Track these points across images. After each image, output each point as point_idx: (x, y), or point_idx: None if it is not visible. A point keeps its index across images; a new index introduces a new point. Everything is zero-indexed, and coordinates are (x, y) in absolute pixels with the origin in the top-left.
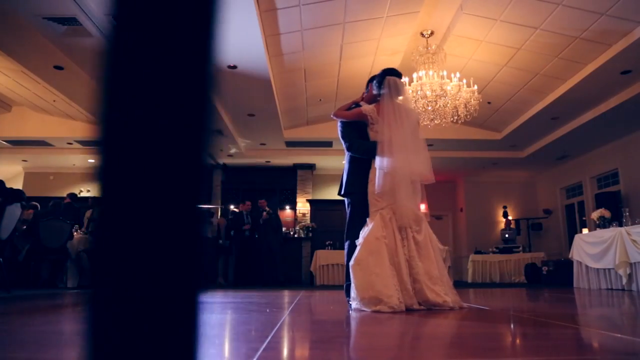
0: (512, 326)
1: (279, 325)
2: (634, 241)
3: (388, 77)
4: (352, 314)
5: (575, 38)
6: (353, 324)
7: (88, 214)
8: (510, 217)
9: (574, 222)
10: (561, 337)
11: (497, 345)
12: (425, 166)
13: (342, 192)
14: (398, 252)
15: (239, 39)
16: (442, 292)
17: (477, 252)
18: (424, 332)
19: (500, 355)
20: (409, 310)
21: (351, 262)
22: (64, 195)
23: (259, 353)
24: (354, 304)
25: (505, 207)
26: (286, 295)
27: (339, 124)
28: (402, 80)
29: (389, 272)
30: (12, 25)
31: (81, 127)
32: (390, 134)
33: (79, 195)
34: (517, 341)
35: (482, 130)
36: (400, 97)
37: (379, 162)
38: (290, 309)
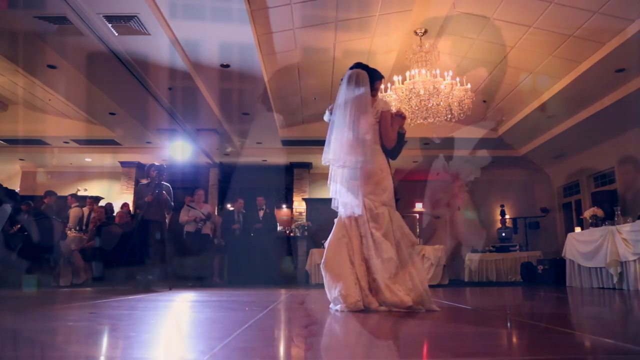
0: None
1: (248, 324)
2: (624, 240)
3: (349, 70)
4: (331, 313)
5: (568, 36)
6: (320, 324)
7: (85, 211)
8: (507, 216)
9: (572, 221)
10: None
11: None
12: (346, 150)
13: None
14: (355, 252)
15: (231, 37)
16: (402, 291)
17: (474, 251)
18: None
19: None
20: (367, 311)
21: (321, 264)
22: (67, 194)
23: (214, 350)
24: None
25: (502, 205)
26: (275, 294)
27: None
28: (365, 72)
29: (349, 272)
30: (4, 24)
31: (77, 126)
32: (331, 125)
33: (77, 194)
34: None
35: (479, 129)
36: (361, 88)
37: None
38: (270, 307)
